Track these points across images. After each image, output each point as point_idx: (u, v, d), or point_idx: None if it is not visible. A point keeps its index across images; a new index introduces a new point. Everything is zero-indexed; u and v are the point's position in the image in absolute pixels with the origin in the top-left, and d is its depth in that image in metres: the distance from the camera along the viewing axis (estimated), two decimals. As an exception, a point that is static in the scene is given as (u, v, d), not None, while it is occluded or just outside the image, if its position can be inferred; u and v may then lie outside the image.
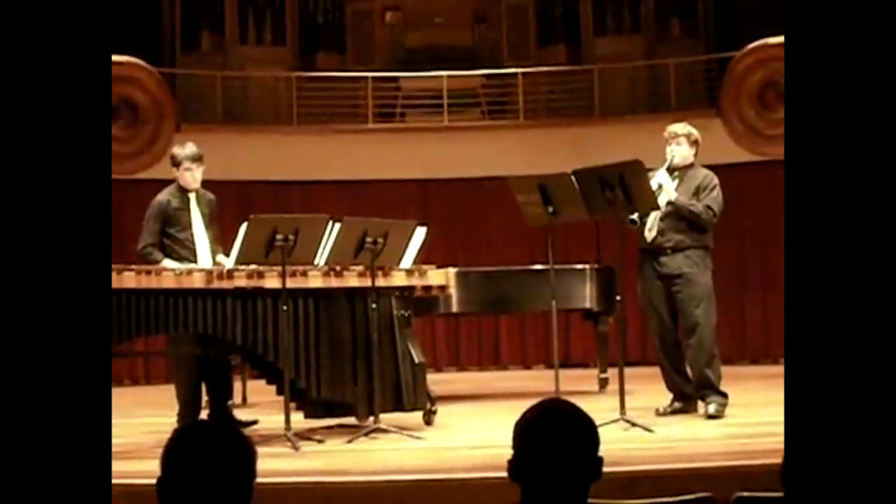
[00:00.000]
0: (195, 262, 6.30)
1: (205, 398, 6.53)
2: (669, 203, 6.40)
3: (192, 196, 6.52)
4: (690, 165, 6.57)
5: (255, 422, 6.34)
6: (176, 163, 6.50)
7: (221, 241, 6.55)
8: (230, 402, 6.76)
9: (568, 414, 2.34)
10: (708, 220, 6.44)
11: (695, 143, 6.56)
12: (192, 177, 6.49)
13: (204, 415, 6.44)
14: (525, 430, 2.33)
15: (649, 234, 6.44)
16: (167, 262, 6.26)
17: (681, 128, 6.61)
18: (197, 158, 6.50)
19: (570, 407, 2.36)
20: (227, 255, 6.15)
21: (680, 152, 6.52)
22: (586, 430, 2.33)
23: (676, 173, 6.51)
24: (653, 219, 6.41)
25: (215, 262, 6.30)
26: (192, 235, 6.44)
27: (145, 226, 6.45)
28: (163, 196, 6.52)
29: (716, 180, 6.52)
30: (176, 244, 6.42)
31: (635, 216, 6.31)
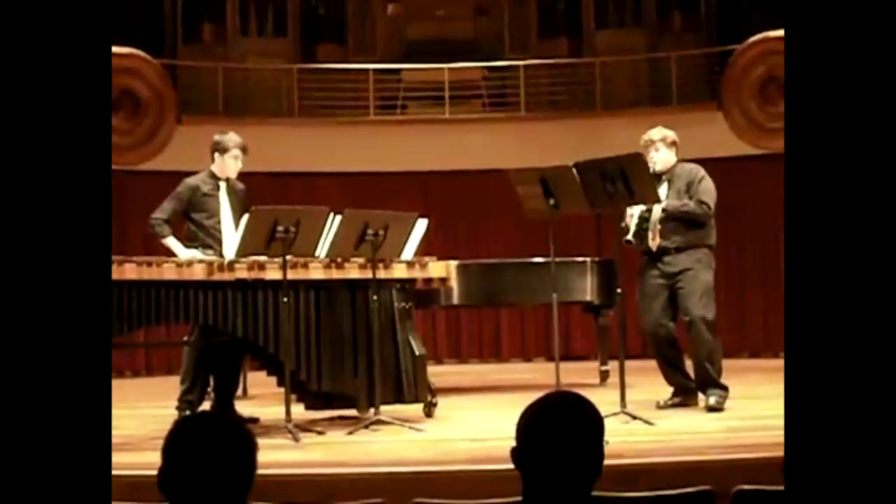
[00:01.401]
0: (220, 249, 6.30)
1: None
2: (663, 210, 6.40)
3: (224, 185, 6.52)
4: (673, 165, 6.57)
5: (256, 420, 6.33)
6: (223, 149, 6.51)
7: None
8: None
9: (576, 406, 2.33)
10: (703, 213, 6.43)
11: (672, 144, 6.55)
12: (236, 166, 6.53)
13: (207, 407, 6.44)
14: (532, 421, 2.32)
15: (653, 242, 6.44)
16: (171, 241, 6.28)
17: (655, 133, 6.59)
18: (245, 149, 6.55)
19: (579, 399, 2.36)
20: None
21: (660, 158, 6.52)
22: (593, 424, 2.32)
23: (663, 177, 6.51)
24: (652, 228, 6.42)
25: None
26: (218, 223, 6.44)
27: (167, 200, 6.47)
28: (193, 180, 6.53)
29: (702, 171, 6.52)
30: (202, 231, 6.42)
31: (630, 237, 6.38)
